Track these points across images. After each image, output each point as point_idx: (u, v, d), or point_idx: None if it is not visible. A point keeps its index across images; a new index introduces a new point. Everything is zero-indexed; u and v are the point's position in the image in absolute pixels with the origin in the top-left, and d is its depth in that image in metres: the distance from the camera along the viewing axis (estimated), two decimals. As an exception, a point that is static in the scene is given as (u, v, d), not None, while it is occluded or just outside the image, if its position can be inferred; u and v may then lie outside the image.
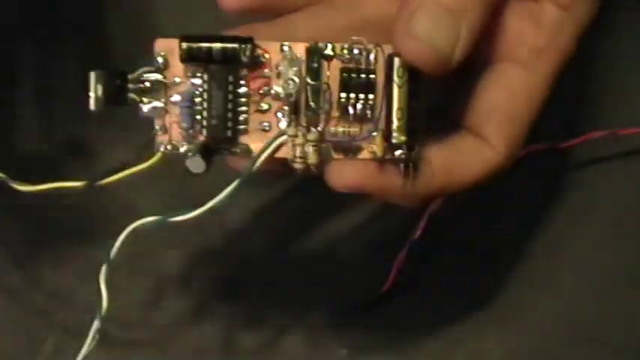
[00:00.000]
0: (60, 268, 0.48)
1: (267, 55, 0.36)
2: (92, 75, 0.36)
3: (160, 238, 0.48)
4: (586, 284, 0.47)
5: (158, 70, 0.37)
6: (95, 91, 0.36)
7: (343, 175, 0.37)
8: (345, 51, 0.36)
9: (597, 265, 0.47)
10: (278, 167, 0.37)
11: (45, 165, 0.48)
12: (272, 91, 0.37)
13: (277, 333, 0.47)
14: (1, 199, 0.47)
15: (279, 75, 0.36)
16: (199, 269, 0.48)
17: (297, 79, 0.36)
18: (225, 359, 0.47)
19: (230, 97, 0.36)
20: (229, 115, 0.37)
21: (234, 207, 0.48)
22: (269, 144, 0.36)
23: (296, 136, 0.36)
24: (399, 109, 0.36)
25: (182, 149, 0.37)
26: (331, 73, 0.36)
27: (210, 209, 0.36)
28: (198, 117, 0.37)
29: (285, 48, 0.36)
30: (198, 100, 0.37)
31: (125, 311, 0.47)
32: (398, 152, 0.36)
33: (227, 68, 0.36)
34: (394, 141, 0.36)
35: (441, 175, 0.37)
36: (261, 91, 0.37)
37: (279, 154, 0.36)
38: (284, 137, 0.36)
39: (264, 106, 0.37)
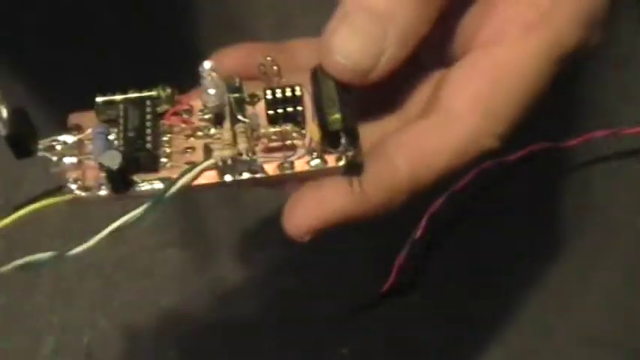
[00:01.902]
0: (59, 268, 0.48)
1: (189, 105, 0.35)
2: None
3: (160, 237, 0.48)
4: (586, 284, 0.47)
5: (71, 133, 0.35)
6: None
7: (296, 219, 0.33)
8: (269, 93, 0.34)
9: (597, 265, 0.47)
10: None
11: None
12: (195, 125, 0.34)
13: (277, 332, 0.47)
14: None
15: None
16: (199, 269, 0.48)
17: (216, 94, 0.34)
18: (225, 358, 0.47)
19: (149, 116, 0.34)
20: (148, 131, 0.34)
21: (233, 207, 0.48)
22: (192, 168, 0.33)
23: (220, 137, 0.34)
24: (329, 99, 0.33)
25: (98, 192, 0.33)
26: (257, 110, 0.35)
27: (112, 235, 0.32)
28: (114, 138, 0.34)
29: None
30: (114, 130, 0.34)
31: (125, 310, 0.47)
32: (341, 143, 0.33)
33: (145, 97, 0.35)
34: (330, 122, 0.33)
35: (406, 167, 0.34)
36: (180, 128, 0.35)
37: (204, 180, 0.33)
38: (210, 161, 0.33)
39: (190, 142, 0.34)
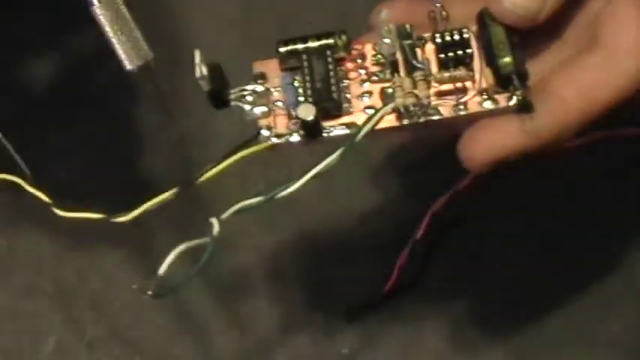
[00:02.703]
0: (60, 268, 0.48)
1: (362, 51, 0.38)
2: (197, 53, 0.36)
3: (161, 237, 0.48)
4: (586, 284, 0.47)
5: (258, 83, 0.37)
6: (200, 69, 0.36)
7: (474, 153, 0.36)
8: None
9: (598, 265, 0.47)
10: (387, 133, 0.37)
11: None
12: (370, 70, 0.37)
13: (278, 333, 0.47)
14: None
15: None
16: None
17: (391, 42, 0.37)
18: (226, 357, 0.47)
19: (330, 66, 0.37)
20: (332, 81, 0.37)
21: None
22: (376, 113, 0.36)
23: (401, 85, 0.36)
24: (499, 43, 0.36)
25: (291, 138, 0.37)
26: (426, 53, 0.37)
27: (314, 178, 0.35)
28: (301, 91, 0.37)
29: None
30: (298, 78, 0.37)
31: (126, 310, 0.47)
32: (512, 84, 0.36)
33: (324, 46, 0.37)
34: (503, 65, 0.36)
35: (576, 102, 0.36)
36: (356, 74, 0.37)
37: (385, 124, 0.36)
38: (392, 105, 0.36)
39: (365, 86, 0.37)
